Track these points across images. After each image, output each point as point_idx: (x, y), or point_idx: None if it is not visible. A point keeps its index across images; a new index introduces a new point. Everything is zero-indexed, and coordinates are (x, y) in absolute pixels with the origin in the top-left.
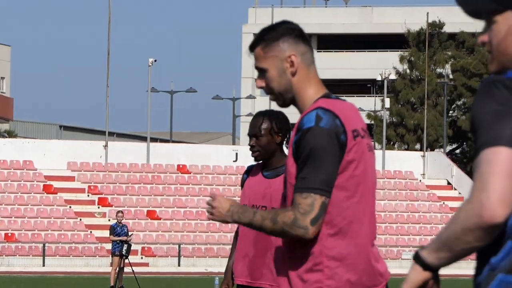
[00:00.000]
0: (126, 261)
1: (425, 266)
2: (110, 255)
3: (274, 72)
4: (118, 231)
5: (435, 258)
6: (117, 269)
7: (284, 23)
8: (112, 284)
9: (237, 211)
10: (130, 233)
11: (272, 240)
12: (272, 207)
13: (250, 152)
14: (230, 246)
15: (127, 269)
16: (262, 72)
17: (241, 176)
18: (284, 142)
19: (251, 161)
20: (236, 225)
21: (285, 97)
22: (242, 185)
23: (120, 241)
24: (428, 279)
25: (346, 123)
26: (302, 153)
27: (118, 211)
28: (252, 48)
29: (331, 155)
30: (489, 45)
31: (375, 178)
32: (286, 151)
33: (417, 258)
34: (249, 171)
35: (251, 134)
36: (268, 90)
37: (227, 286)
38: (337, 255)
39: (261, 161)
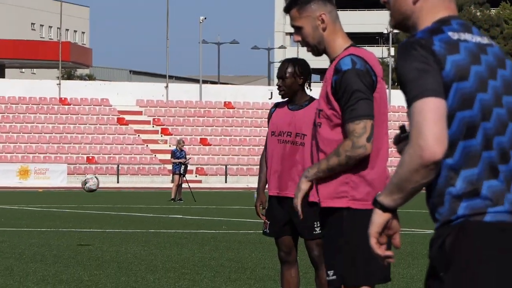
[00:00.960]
0: (184, 178)
1: (384, 208)
2: (171, 174)
3: (309, 28)
4: (178, 155)
5: (391, 200)
6: (177, 185)
7: None
8: (172, 197)
9: (304, 175)
10: (187, 156)
11: (296, 159)
12: (296, 132)
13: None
14: None
15: (184, 185)
16: (298, 29)
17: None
18: (306, 83)
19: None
20: (261, 151)
21: (319, 48)
22: (269, 117)
23: (179, 163)
24: (388, 218)
25: (374, 67)
26: (344, 90)
27: (179, 140)
28: (287, 10)
29: (367, 91)
30: (388, 4)
31: (387, 112)
32: (307, 90)
33: (376, 203)
34: (276, 106)
35: (278, 77)
36: (304, 43)
37: (261, 202)
38: (365, 175)
39: (286, 99)
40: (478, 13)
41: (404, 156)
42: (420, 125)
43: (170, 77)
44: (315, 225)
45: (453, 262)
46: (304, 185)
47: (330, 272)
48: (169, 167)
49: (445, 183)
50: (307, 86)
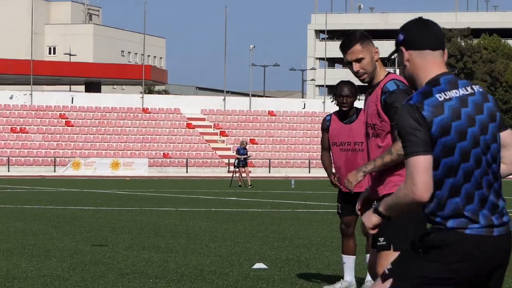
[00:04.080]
0: (243, 169)
1: (381, 215)
2: (233, 166)
3: (369, 59)
4: (241, 152)
5: (386, 212)
6: (239, 175)
7: (360, 31)
8: (239, 184)
9: (362, 169)
10: (248, 153)
11: (358, 161)
12: (354, 141)
13: (338, 107)
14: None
15: (243, 175)
16: (359, 60)
17: (322, 122)
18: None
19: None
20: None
21: (372, 75)
22: (325, 127)
23: (243, 158)
24: (381, 221)
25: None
26: (391, 106)
27: (243, 140)
28: (349, 46)
29: None
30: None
31: None
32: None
33: (375, 210)
34: (329, 119)
35: (343, 95)
36: (363, 71)
37: (333, 175)
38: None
39: (334, 111)
40: (463, 43)
41: (400, 192)
42: (413, 175)
43: (227, 92)
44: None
45: (433, 248)
46: (360, 177)
47: (381, 239)
48: (226, 160)
49: (436, 208)
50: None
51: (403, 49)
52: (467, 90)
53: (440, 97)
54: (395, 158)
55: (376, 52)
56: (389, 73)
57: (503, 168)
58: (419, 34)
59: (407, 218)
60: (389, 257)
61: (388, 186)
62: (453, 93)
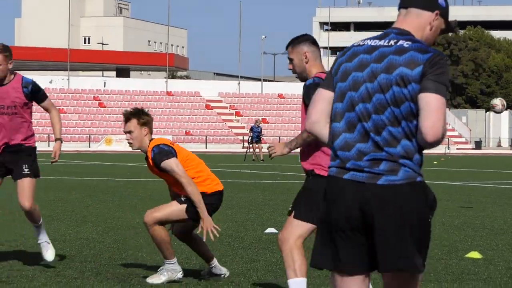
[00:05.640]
0: (256, 145)
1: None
2: (247, 142)
3: (297, 60)
4: (255, 129)
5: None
6: (253, 150)
7: (307, 35)
8: (253, 158)
9: (287, 145)
10: (264, 131)
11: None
12: None
13: None
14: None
15: (257, 151)
16: (291, 60)
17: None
18: None
19: None
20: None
21: (302, 74)
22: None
23: (257, 135)
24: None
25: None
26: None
27: (257, 119)
28: (286, 48)
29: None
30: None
31: None
32: None
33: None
34: None
35: None
36: (294, 71)
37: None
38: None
39: None
40: (450, 34)
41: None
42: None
43: (241, 77)
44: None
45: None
46: (285, 151)
47: (291, 206)
48: (240, 137)
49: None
50: None
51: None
52: (388, 42)
53: (357, 44)
54: (305, 135)
55: (305, 54)
56: (318, 72)
57: (418, 138)
58: None
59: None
60: (291, 221)
61: (312, 161)
62: (372, 42)
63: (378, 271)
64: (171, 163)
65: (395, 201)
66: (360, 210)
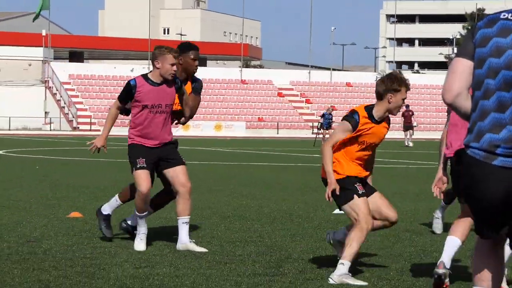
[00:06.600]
0: (326, 131)
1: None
2: (316, 129)
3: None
4: (326, 116)
5: None
6: (322, 136)
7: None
8: (318, 144)
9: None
10: (333, 118)
11: None
12: None
13: None
14: None
15: (326, 136)
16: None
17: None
18: None
19: None
20: None
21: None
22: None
23: (328, 122)
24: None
25: None
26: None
27: (329, 107)
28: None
29: None
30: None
31: None
32: None
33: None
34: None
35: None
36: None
37: None
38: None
39: None
40: None
41: None
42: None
43: (312, 66)
44: None
45: None
46: None
47: None
48: (310, 124)
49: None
50: None
51: None
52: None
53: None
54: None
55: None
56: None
57: None
58: None
59: None
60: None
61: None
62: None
63: None
64: None
65: None
66: (507, 195)
